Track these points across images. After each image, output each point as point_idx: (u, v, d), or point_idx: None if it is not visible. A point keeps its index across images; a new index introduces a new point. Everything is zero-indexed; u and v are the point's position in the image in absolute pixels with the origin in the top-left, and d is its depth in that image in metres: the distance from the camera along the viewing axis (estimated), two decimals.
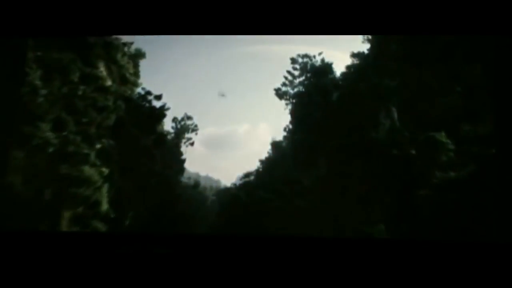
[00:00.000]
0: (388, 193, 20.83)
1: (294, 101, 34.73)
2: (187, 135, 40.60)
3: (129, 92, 31.40)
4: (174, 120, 40.60)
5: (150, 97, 36.75)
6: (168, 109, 34.71)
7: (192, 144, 40.48)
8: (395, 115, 23.79)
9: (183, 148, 39.83)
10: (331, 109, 24.44)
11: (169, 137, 39.44)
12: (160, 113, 33.45)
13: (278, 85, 36.53)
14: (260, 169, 38.84)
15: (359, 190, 22.51)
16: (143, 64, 32.08)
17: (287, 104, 33.91)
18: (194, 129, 41.12)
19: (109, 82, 28.07)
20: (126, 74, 31.32)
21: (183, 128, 40.76)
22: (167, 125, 47.86)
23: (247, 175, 37.09)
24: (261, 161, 38.77)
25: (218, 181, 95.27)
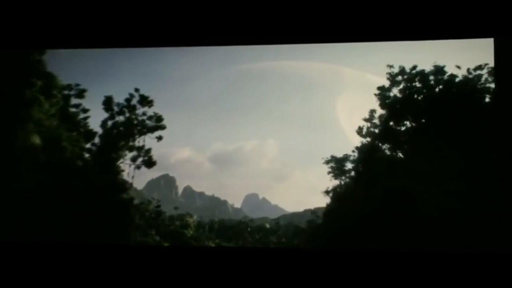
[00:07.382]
0: None
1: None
2: (139, 137, 16.92)
3: None
4: (107, 104, 16.81)
5: None
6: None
7: (149, 163, 16.71)
8: None
9: (128, 171, 16.28)
10: None
11: (90, 147, 15.77)
12: None
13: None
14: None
15: None
16: (147, 78, 20.15)
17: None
18: (159, 126, 17.25)
19: None
20: None
21: (133, 122, 16.91)
22: (95, 123, 22.57)
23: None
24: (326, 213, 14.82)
25: (225, 202, 72.41)
